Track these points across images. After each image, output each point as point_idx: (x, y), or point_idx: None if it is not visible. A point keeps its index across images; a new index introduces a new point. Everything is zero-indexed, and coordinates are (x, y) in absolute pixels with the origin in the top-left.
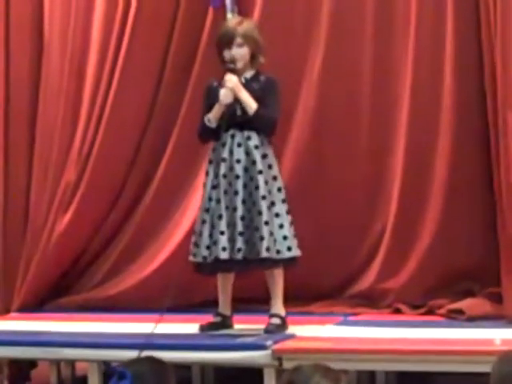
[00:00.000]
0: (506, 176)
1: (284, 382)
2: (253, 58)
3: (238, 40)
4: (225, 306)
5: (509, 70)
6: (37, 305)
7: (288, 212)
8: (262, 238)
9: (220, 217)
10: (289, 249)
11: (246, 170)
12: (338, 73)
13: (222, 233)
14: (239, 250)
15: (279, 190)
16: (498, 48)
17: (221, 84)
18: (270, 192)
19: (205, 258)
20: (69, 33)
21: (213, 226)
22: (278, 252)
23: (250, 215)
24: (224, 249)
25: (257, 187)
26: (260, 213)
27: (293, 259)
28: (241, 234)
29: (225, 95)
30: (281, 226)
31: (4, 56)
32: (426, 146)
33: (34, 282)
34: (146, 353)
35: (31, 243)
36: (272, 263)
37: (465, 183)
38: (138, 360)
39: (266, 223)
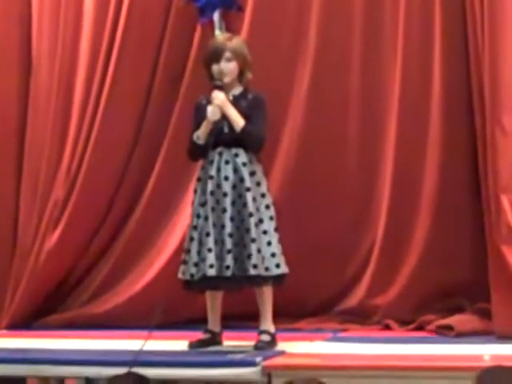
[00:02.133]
0: (494, 191)
1: None
2: (241, 74)
3: (227, 54)
4: (214, 323)
5: (497, 85)
6: (26, 322)
7: (276, 229)
8: (249, 256)
9: (208, 234)
10: (277, 266)
11: (234, 187)
12: (325, 90)
13: (210, 250)
14: (227, 267)
15: (267, 207)
16: (486, 64)
17: (208, 101)
18: (257, 209)
19: (192, 275)
20: (57, 51)
21: (201, 244)
22: (267, 269)
23: (239, 232)
24: (211, 266)
25: (245, 204)
26: (248, 230)
27: (281, 276)
28: (229, 251)
29: (212, 112)
30: (269, 243)
31: None
32: (414, 163)
33: (23, 299)
34: (134, 370)
35: (20, 261)
36: (261, 280)
37: (453, 199)
38: (120, 377)
39: (253, 240)
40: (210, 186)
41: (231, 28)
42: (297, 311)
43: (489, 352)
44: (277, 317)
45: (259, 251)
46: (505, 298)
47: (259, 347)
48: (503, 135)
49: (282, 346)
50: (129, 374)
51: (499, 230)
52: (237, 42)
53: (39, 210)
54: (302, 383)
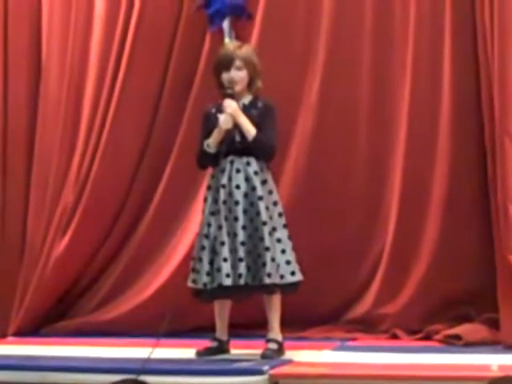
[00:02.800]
0: (503, 201)
1: None
2: (251, 82)
3: (238, 63)
4: (222, 331)
5: (506, 94)
6: (34, 329)
7: (289, 237)
8: (264, 264)
9: (222, 243)
10: (292, 273)
11: (245, 195)
12: (335, 97)
13: (225, 259)
14: (240, 275)
15: (280, 215)
16: (496, 73)
17: (218, 109)
18: (271, 218)
19: (205, 284)
20: (67, 56)
21: (214, 253)
22: (282, 277)
23: (252, 241)
24: (228, 275)
25: (258, 213)
26: (262, 239)
27: (296, 284)
28: (241, 259)
29: (225, 121)
30: (283, 251)
31: (2, 80)
32: (424, 169)
33: (31, 306)
34: (143, 378)
35: (28, 267)
36: (275, 289)
37: (462, 208)
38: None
39: (268, 249)
40: (222, 194)
41: (241, 36)
42: (304, 320)
43: (496, 362)
44: (284, 325)
45: (273, 260)
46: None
47: (266, 356)
48: None
49: (289, 354)
50: (130, 380)
51: (507, 239)
52: (247, 50)
53: (48, 216)
54: None
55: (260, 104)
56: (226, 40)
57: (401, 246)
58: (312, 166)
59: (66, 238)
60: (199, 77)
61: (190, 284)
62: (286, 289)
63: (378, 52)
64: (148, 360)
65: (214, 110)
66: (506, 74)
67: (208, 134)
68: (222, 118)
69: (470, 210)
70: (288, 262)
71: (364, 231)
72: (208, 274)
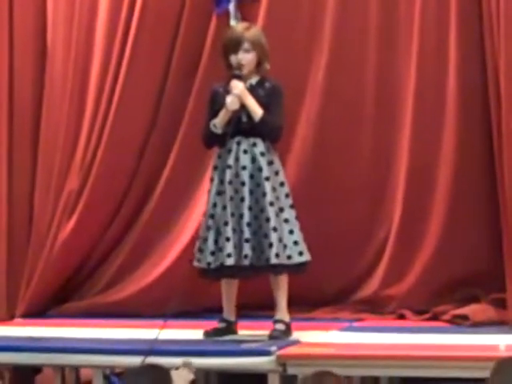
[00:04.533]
0: (510, 182)
1: None
2: (258, 63)
3: (246, 45)
4: (229, 312)
5: None
6: (41, 311)
7: (296, 218)
8: (270, 245)
9: (226, 223)
10: (300, 254)
11: (251, 176)
12: (341, 79)
13: (228, 239)
14: (246, 256)
15: (287, 195)
16: (502, 62)
17: (226, 89)
18: (277, 198)
19: (209, 263)
20: (72, 39)
21: (218, 232)
22: (289, 257)
23: (258, 222)
24: (229, 255)
25: (264, 194)
26: (268, 219)
27: (304, 264)
28: (247, 240)
29: (232, 102)
30: (291, 232)
31: (8, 63)
32: (430, 152)
33: (38, 288)
34: (149, 359)
35: (35, 250)
36: (282, 269)
37: (469, 189)
38: (139, 371)
39: (275, 229)
40: (228, 175)
41: (247, 18)
42: (312, 301)
43: (504, 342)
44: (292, 306)
45: (280, 240)
46: None
47: (274, 336)
48: None
49: (296, 335)
50: (148, 367)
51: None
52: (255, 32)
53: (54, 200)
54: (314, 377)
55: (267, 85)
56: (232, 22)
57: (408, 227)
58: (319, 146)
59: (73, 221)
60: (205, 59)
61: (195, 263)
62: (294, 269)
63: (385, 31)
64: (156, 341)
65: (221, 90)
66: None
67: (215, 114)
68: (228, 98)
69: (478, 192)
70: (296, 243)
71: (371, 212)
72: (212, 253)
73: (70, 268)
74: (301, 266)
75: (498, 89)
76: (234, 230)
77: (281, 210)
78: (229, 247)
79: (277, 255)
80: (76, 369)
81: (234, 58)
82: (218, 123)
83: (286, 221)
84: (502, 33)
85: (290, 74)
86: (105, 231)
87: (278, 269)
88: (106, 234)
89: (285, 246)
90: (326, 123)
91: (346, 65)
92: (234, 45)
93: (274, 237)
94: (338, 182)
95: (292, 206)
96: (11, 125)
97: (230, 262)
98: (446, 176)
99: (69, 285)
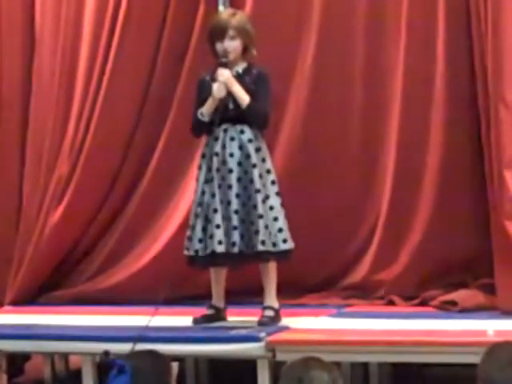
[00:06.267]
0: (498, 167)
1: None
2: (245, 50)
3: (231, 32)
4: (218, 299)
5: (499, 60)
6: (30, 298)
7: (282, 205)
8: (257, 232)
9: (215, 211)
10: (284, 241)
11: (239, 163)
12: (330, 64)
13: (218, 226)
14: (234, 243)
15: (273, 183)
16: (489, 40)
17: (213, 78)
18: (264, 185)
19: (197, 251)
20: (60, 27)
21: (207, 220)
22: (274, 245)
23: (245, 209)
24: (220, 242)
25: (251, 181)
26: (255, 206)
27: (288, 251)
28: (235, 227)
29: (218, 89)
30: (275, 219)
31: None
32: (419, 137)
33: (28, 275)
34: (140, 346)
35: (24, 236)
36: (268, 256)
37: (457, 174)
38: (138, 354)
39: (261, 216)
40: (216, 162)
41: (235, 4)
42: (301, 287)
43: (493, 327)
44: (281, 292)
45: (266, 227)
46: (508, 274)
47: (263, 323)
48: (507, 111)
49: (286, 321)
50: (147, 351)
51: (503, 205)
52: (240, 18)
53: (43, 185)
54: (300, 363)
55: (254, 71)
56: (220, 8)
57: (397, 213)
58: (306, 133)
59: (62, 207)
60: (193, 45)
61: (185, 252)
62: (279, 256)
63: (373, 18)
64: (145, 328)
65: (208, 78)
66: (500, 41)
67: (202, 102)
68: (215, 86)
69: (465, 176)
70: (280, 230)
71: (360, 198)
72: (200, 241)
73: (59, 255)
74: (285, 253)
75: (485, 70)
76: (223, 218)
77: (267, 197)
78: (219, 234)
79: (262, 242)
80: (65, 356)
81: (219, 46)
82: (205, 111)
83: (272, 208)
84: (489, 14)
85: (278, 60)
86: (94, 218)
87: (265, 256)
88: (95, 220)
89: (270, 234)
90: (314, 110)
91: (334, 50)
92: (220, 32)
93: (260, 224)
94: (327, 169)
95: (278, 194)
96: (0, 110)
97: (220, 249)
98: (434, 163)
99: (58, 272)
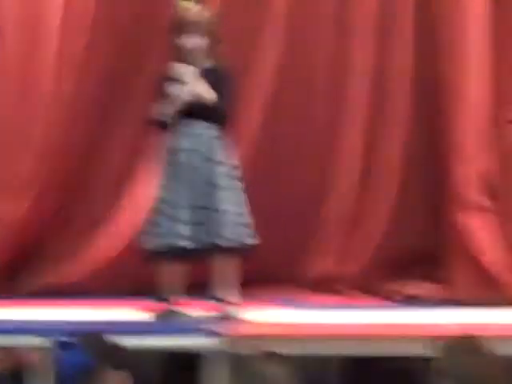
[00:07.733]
0: (462, 159)
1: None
2: (209, 46)
3: (193, 28)
4: (176, 292)
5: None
6: None
7: (246, 201)
8: (221, 227)
9: (179, 206)
10: (249, 236)
11: (204, 160)
12: (296, 58)
13: (181, 221)
14: (198, 239)
15: (238, 179)
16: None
17: (175, 74)
18: (229, 181)
19: (160, 246)
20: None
21: (170, 215)
22: (239, 240)
23: (211, 205)
24: (183, 237)
25: (216, 177)
26: (220, 202)
27: (253, 246)
28: (200, 223)
29: (181, 88)
30: (241, 215)
31: None
32: (379, 128)
33: None
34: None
35: None
36: (234, 251)
37: (418, 168)
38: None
39: (225, 212)
40: (181, 158)
41: None
42: (260, 280)
43: (450, 320)
44: (240, 285)
45: (230, 223)
46: (464, 266)
47: (222, 316)
48: (463, 106)
49: (244, 314)
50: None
51: (457, 198)
52: (203, 12)
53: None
54: (257, 356)
55: (218, 68)
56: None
57: (357, 207)
58: (269, 130)
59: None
60: (157, 40)
61: (145, 246)
62: (243, 251)
63: (342, 14)
64: (104, 322)
65: (170, 74)
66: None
67: (164, 99)
68: (178, 86)
69: (426, 172)
70: (245, 225)
71: (322, 192)
72: (163, 235)
73: (19, 248)
74: (249, 248)
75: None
76: (186, 213)
77: (232, 193)
78: (182, 229)
79: (226, 237)
80: (23, 350)
81: (181, 41)
82: (168, 109)
83: (236, 203)
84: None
85: (242, 55)
86: (52, 215)
87: (228, 250)
88: (53, 217)
89: (234, 229)
90: (279, 104)
91: (301, 44)
92: (182, 28)
93: (224, 219)
94: (288, 164)
95: (243, 189)
96: None
97: (183, 243)
98: (397, 154)
99: (17, 264)
